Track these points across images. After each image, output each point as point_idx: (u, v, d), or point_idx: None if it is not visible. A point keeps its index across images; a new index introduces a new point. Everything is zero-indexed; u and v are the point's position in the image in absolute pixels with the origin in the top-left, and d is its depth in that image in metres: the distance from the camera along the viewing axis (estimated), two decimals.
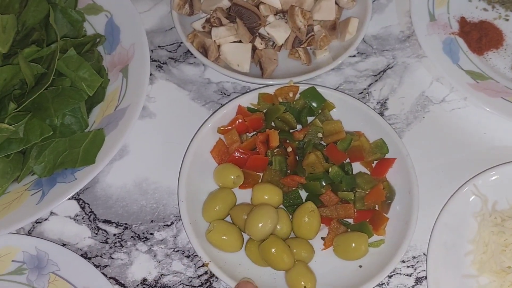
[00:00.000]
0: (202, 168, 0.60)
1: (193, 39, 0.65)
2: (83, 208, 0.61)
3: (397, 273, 0.57)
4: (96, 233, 0.59)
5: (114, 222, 0.60)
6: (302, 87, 0.62)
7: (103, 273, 0.55)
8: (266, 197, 0.57)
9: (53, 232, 0.59)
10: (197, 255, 0.57)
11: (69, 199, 0.55)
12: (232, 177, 0.58)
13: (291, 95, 0.62)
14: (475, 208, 0.58)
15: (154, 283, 0.57)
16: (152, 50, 0.70)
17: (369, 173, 0.60)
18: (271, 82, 0.64)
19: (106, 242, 0.59)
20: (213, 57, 0.65)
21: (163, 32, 0.72)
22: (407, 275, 0.57)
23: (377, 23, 0.73)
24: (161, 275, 0.57)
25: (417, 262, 0.58)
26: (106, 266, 0.58)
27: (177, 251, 0.58)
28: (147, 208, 0.61)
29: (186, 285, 0.57)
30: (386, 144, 0.60)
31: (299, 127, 0.63)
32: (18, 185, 0.58)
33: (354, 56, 0.70)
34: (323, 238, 0.57)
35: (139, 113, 0.59)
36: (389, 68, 0.70)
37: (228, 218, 0.58)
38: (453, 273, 0.55)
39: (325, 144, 0.61)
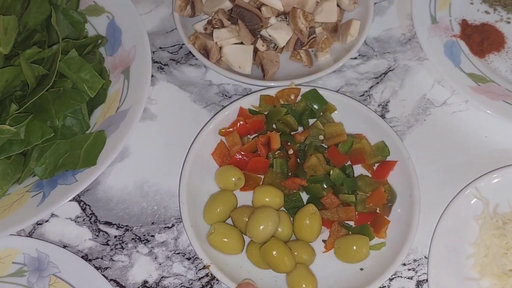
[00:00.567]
0: (203, 170, 0.60)
1: (194, 40, 0.65)
2: (84, 210, 0.61)
3: (398, 276, 0.57)
4: (97, 235, 0.59)
5: (115, 224, 0.60)
6: (304, 89, 0.62)
7: (103, 275, 0.55)
8: (267, 199, 0.57)
9: (54, 234, 0.59)
10: (198, 258, 0.57)
11: (70, 200, 0.55)
12: (233, 179, 0.58)
13: (292, 97, 0.62)
14: (476, 211, 0.58)
15: (155, 285, 0.57)
16: (153, 52, 0.70)
17: (370, 175, 0.60)
18: (272, 84, 0.64)
19: (107, 244, 0.59)
20: (214, 59, 0.65)
21: (164, 34, 0.72)
22: (408, 278, 0.57)
23: (379, 26, 0.73)
24: (162, 277, 0.57)
25: (418, 265, 0.58)
26: (107, 268, 0.57)
27: (178, 253, 0.58)
28: (148, 210, 0.61)
29: (187, 287, 0.57)
30: (388, 146, 0.60)
31: (300, 129, 0.63)
32: (19, 186, 0.58)
33: (355, 58, 0.70)
34: (324, 241, 0.57)
35: (140, 115, 0.59)
36: (390, 70, 0.70)
37: (229, 221, 0.58)
38: (455, 276, 0.55)
39: (326, 146, 0.61)
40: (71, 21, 0.65)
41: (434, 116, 0.66)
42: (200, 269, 0.57)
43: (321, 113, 0.62)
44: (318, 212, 0.56)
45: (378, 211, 0.58)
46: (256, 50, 0.66)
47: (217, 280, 0.57)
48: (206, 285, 0.57)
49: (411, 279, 0.57)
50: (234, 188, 0.58)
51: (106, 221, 0.60)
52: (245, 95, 0.63)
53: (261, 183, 0.60)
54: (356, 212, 0.57)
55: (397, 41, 0.72)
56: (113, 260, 0.58)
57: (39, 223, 0.60)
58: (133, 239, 0.59)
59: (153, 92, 0.68)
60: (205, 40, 0.65)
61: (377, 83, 0.69)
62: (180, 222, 0.60)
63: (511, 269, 0.54)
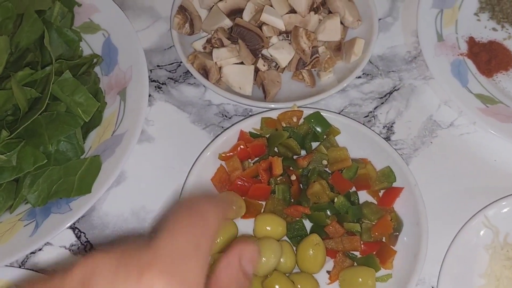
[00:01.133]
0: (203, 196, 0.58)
1: (193, 60, 0.63)
2: (79, 237, 0.58)
3: None
4: None
5: None
6: (306, 112, 0.60)
7: None
8: (269, 228, 0.55)
9: (47, 263, 0.57)
10: None
11: None
12: (234, 207, 0.56)
13: (294, 119, 0.60)
14: (486, 240, 0.56)
15: None
16: (150, 70, 0.68)
17: (375, 202, 0.58)
18: (274, 106, 0.61)
19: None
20: (214, 79, 0.63)
21: (162, 51, 0.70)
22: None
23: (383, 43, 0.70)
24: None
25: None
26: None
27: None
28: (146, 237, 0.58)
29: None
30: (394, 172, 0.58)
31: (303, 152, 0.61)
32: (11, 215, 0.55)
33: (359, 77, 0.68)
34: (328, 272, 0.55)
35: (137, 139, 0.57)
36: (395, 90, 0.67)
37: None
38: None
39: (330, 171, 0.59)
40: (65, 40, 0.63)
41: (441, 138, 0.64)
42: None
43: (325, 136, 0.60)
44: (322, 242, 0.53)
45: (384, 240, 0.56)
46: (257, 70, 0.64)
47: None
48: None
49: None
50: (235, 217, 0.56)
51: (101, 250, 0.58)
52: (246, 118, 0.61)
53: (262, 210, 0.58)
54: (361, 242, 0.55)
55: (402, 59, 0.69)
56: None
57: (32, 252, 0.57)
58: None
59: (151, 113, 0.66)
60: (204, 59, 0.62)
61: (382, 103, 0.67)
62: None
63: None
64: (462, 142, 0.64)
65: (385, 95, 0.67)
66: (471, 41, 0.69)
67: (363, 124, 0.62)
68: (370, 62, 0.69)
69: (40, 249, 0.58)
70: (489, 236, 0.56)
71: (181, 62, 0.68)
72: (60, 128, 0.55)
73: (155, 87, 0.67)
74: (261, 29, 0.62)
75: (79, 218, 0.59)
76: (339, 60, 0.66)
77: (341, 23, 0.66)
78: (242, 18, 0.62)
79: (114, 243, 0.58)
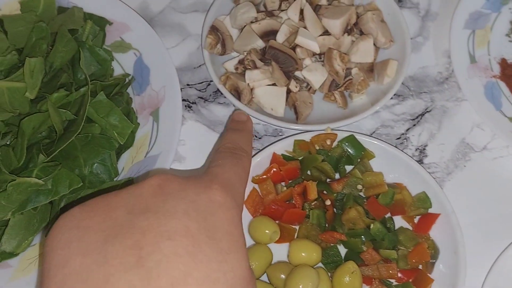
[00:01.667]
0: None
1: (225, 81, 0.63)
2: None
3: None
4: None
5: None
6: (340, 134, 0.60)
7: None
8: (304, 254, 0.54)
9: None
10: None
11: None
12: (267, 231, 0.55)
13: (328, 142, 0.60)
14: None
15: None
16: (181, 89, 0.68)
17: (410, 228, 0.58)
18: (307, 128, 0.61)
19: None
20: (246, 100, 0.62)
21: (191, 70, 0.69)
22: None
23: (414, 63, 0.70)
24: None
25: None
26: None
27: None
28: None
29: None
30: (429, 198, 0.57)
31: (336, 175, 0.60)
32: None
33: (391, 98, 0.67)
34: None
35: (171, 161, 0.57)
36: (427, 112, 0.67)
37: (264, 277, 0.55)
38: None
39: (364, 196, 0.58)
40: (97, 59, 0.62)
41: (474, 162, 0.64)
42: None
43: (359, 160, 0.60)
44: (358, 270, 0.53)
45: (420, 267, 0.55)
46: (288, 91, 0.63)
47: None
48: None
49: None
50: (269, 242, 0.56)
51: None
52: (278, 140, 0.61)
53: (296, 235, 0.57)
54: (398, 269, 0.55)
55: (434, 80, 0.69)
56: None
57: None
58: None
59: (181, 132, 0.65)
60: (236, 81, 0.62)
61: (414, 125, 0.66)
62: None
63: None
64: (496, 166, 0.63)
65: (417, 117, 0.67)
66: (504, 63, 0.69)
67: (396, 147, 0.62)
68: (402, 83, 0.68)
69: None
70: None
71: (211, 81, 0.68)
72: (96, 151, 0.55)
73: (186, 106, 0.67)
74: (294, 51, 0.62)
75: None
76: (371, 81, 0.65)
77: (374, 44, 0.65)
78: (275, 40, 0.62)
79: None
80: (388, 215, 0.58)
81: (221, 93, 0.66)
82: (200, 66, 0.69)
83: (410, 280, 0.54)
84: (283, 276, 0.53)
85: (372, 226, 0.55)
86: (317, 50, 0.61)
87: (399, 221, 0.58)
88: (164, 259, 0.29)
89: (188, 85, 0.68)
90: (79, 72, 0.61)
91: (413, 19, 0.73)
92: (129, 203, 0.33)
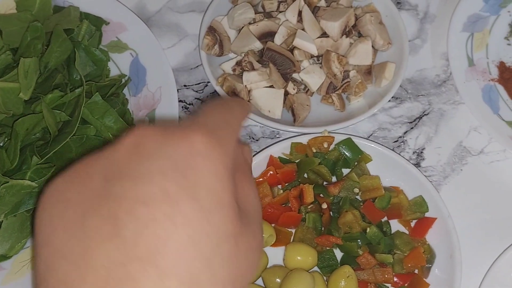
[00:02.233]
0: None
1: (223, 82, 0.62)
2: None
3: None
4: None
5: None
6: (337, 137, 0.59)
7: None
8: (299, 258, 0.54)
9: None
10: None
11: None
12: (263, 235, 0.55)
13: (325, 145, 0.59)
14: None
15: None
16: (178, 90, 0.67)
17: (407, 232, 0.57)
18: (304, 130, 0.61)
19: None
20: None
21: (188, 71, 0.69)
22: None
23: (412, 66, 0.69)
24: None
25: None
26: None
27: None
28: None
29: None
30: (426, 202, 0.57)
31: (333, 178, 0.60)
32: None
33: (388, 101, 0.67)
34: None
35: None
36: (424, 115, 0.67)
37: (259, 281, 0.55)
38: None
39: (361, 199, 0.58)
40: (93, 59, 0.62)
41: (471, 165, 0.63)
42: None
43: (356, 163, 0.59)
44: (354, 274, 0.53)
45: (416, 272, 0.55)
46: (286, 93, 0.63)
47: None
48: None
49: None
50: (264, 245, 0.56)
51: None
52: (275, 143, 0.60)
53: (292, 238, 0.57)
54: (394, 273, 0.54)
55: (431, 83, 0.69)
56: None
57: None
58: None
59: None
60: (234, 82, 0.61)
61: (412, 128, 0.66)
62: None
63: None
64: (493, 170, 0.63)
65: (415, 120, 0.66)
66: (502, 66, 0.68)
67: (393, 150, 0.62)
68: (400, 86, 0.68)
69: None
70: None
71: (208, 82, 0.67)
72: (90, 152, 0.54)
73: (182, 107, 0.66)
74: (292, 53, 0.61)
75: None
76: (369, 83, 0.65)
77: (372, 46, 0.65)
78: (273, 41, 0.61)
79: None
80: (385, 219, 0.57)
81: (218, 95, 0.65)
82: (197, 66, 0.69)
83: (406, 285, 0.54)
84: (278, 280, 0.53)
85: (368, 230, 0.55)
86: (315, 52, 0.61)
87: (395, 225, 0.58)
88: (140, 226, 0.27)
89: (185, 86, 0.68)
90: (75, 72, 0.60)
91: (411, 21, 0.72)
92: (104, 168, 0.30)
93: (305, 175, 0.59)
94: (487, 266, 0.55)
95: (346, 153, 0.59)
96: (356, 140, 0.59)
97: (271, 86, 0.62)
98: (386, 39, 0.65)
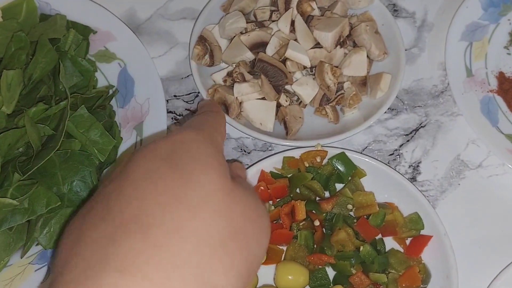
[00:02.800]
0: None
1: (213, 94, 0.60)
2: None
3: None
4: None
5: None
6: (331, 151, 0.58)
7: None
8: (290, 277, 0.52)
9: None
10: None
11: None
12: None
13: (318, 160, 0.58)
14: None
15: None
16: (167, 100, 0.65)
17: (402, 250, 0.56)
18: (297, 144, 0.59)
19: None
20: (234, 114, 0.60)
21: (179, 80, 0.67)
22: None
23: (409, 76, 0.67)
24: None
25: None
26: None
27: None
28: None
29: None
30: (422, 219, 0.55)
31: (326, 194, 0.58)
32: (21, 259, 0.53)
33: (384, 112, 0.65)
34: None
35: None
36: (421, 127, 0.65)
37: None
38: None
39: (354, 216, 0.56)
40: (79, 70, 0.60)
41: (469, 180, 0.62)
42: None
43: (349, 178, 0.58)
44: None
45: None
46: (278, 105, 0.61)
47: None
48: None
49: None
50: None
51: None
52: (267, 157, 0.59)
53: (283, 256, 0.55)
54: None
55: (428, 94, 0.67)
56: None
57: None
58: None
59: None
60: (224, 94, 0.60)
61: (408, 140, 0.64)
62: None
63: None
64: (491, 185, 0.61)
65: (411, 132, 0.64)
66: (501, 77, 0.66)
67: (388, 165, 0.60)
68: (396, 96, 0.66)
69: None
70: None
71: (199, 92, 0.66)
72: (75, 168, 0.52)
73: (172, 118, 0.65)
74: (284, 64, 0.59)
75: None
76: (364, 95, 0.63)
77: (367, 56, 0.63)
78: (265, 52, 0.59)
79: None
80: (379, 236, 0.56)
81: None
82: (188, 76, 0.67)
83: None
84: None
85: (362, 248, 0.53)
86: (308, 64, 0.59)
87: (390, 243, 0.56)
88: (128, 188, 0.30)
89: (175, 96, 0.66)
90: (61, 84, 0.59)
91: (408, 30, 0.70)
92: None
93: (297, 190, 0.58)
94: (485, 286, 0.54)
95: (340, 168, 0.57)
96: (350, 155, 0.57)
97: (263, 98, 0.60)
98: (382, 49, 0.64)
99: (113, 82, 0.62)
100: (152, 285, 0.26)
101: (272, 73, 0.58)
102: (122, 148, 0.58)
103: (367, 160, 0.58)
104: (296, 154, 0.58)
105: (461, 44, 0.66)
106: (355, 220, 0.56)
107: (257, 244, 0.32)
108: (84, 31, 0.62)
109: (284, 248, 0.56)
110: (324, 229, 0.56)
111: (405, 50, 0.68)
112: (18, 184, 0.50)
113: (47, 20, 0.62)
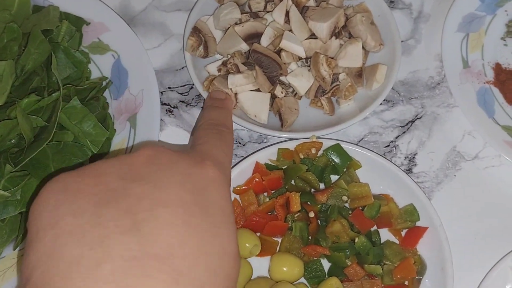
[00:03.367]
0: None
1: (209, 86, 0.60)
2: None
3: None
4: None
5: None
6: (326, 143, 0.57)
7: None
8: (285, 269, 0.52)
9: None
10: None
11: None
12: (248, 245, 0.53)
13: (313, 151, 0.57)
14: None
15: None
16: (161, 92, 0.65)
17: (397, 241, 0.55)
18: (292, 136, 0.58)
19: None
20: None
21: (173, 72, 0.66)
22: None
23: (404, 67, 0.67)
24: None
25: None
26: None
27: None
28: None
29: None
30: (417, 210, 0.55)
31: (321, 185, 0.58)
32: (14, 251, 0.53)
33: (380, 104, 0.64)
34: None
35: None
36: (417, 118, 0.64)
37: None
38: None
39: (349, 207, 0.56)
40: (73, 61, 0.59)
41: (464, 171, 0.61)
42: None
43: (345, 170, 0.57)
44: (342, 286, 0.51)
45: (406, 283, 0.53)
46: (274, 97, 0.61)
47: None
48: None
49: None
50: (249, 256, 0.54)
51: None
52: (261, 149, 0.58)
53: (278, 248, 0.55)
54: (383, 285, 0.52)
55: (425, 85, 0.66)
56: None
57: None
58: None
59: (161, 138, 0.63)
60: (220, 87, 0.59)
61: (404, 132, 0.64)
62: None
63: None
64: (488, 176, 0.61)
65: (407, 124, 0.64)
66: (498, 68, 0.66)
67: (384, 156, 0.60)
68: (392, 88, 0.65)
69: None
70: None
71: (193, 84, 0.65)
72: (67, 159, 0.52)
73: (166, 110, 0.64)
74: (279, 55, 0.59)
75: None
76: (359, 87, 0.62)
77: (363, 47, 0.62)
78: (259, 43, 0.59)
79: None
80: (374, 228, 0.55)
81: (204, 98, 0.63)
82: (182, 68, 0.66)
83: None
84: None
85: (357, 239, 0.53)
86: (303, 55, 0.58)
87: (385, 234, 0.56)
88: (159, 226, 0.29)
89: (169, 88, 0.66)
90: (54, 75, 0.58)
91: (404, 21, 0.70)
92: (120, 170, 0.32)
93: (292, 182, 0.57)
94: (480, 278, 0.53)
95: (335, 159, 0.57)
96: (345, 146, 0.57)
97: (258, 90, 0.60)
98: (378, 40, 0.63)
99: (107, 73, 0.61)
100: None
101: (266, 64, 0.58)
102: (116, 139, 0.58)
103: (362, 151, 0.57)
104: (291, 145, 0.57)
105: (457, 35, 0.66)
106: (350, 212, 0.55)
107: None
108: (77, 23, 0.62)
109: (279, 239, 0.56)
110: (319, 221, 0.56)
111: (401, 41, 0.68)
112: (10, 176, 0.50)
113: (40, 11, 0.61)
